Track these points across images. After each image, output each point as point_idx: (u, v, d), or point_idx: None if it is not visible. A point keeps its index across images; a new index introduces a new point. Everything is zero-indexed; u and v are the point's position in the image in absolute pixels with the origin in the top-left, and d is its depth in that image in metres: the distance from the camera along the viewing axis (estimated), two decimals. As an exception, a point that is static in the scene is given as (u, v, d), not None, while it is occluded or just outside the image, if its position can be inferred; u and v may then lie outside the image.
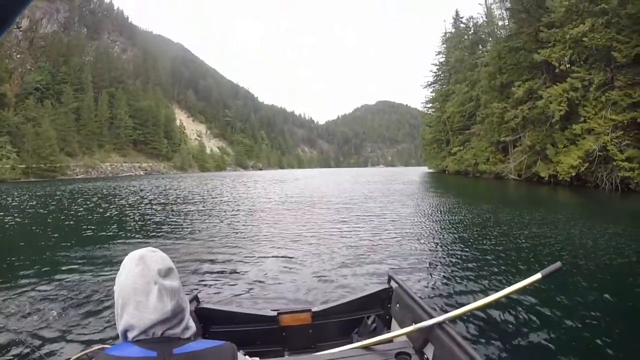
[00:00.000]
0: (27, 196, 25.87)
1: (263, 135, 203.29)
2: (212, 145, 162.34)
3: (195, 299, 2.96)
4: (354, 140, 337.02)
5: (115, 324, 1.09)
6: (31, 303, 5.18)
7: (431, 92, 63.07)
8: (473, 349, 1.88)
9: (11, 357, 3.63)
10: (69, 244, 9.34)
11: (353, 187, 29.93)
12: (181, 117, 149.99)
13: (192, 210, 16.23)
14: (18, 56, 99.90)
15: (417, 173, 63.67)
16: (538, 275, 2.07)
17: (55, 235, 10.95)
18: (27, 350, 3.66)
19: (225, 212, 15.56)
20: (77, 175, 79.27)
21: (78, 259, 7.62)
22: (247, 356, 1.26)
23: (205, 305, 2.97)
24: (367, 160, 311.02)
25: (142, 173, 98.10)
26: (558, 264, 2.08)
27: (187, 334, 1.06)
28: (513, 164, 33.97)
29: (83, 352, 1.85)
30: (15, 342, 3.85)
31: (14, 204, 20.56)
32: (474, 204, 16.54)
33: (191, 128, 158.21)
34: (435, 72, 61.96)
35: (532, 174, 30.42)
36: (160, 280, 1.02)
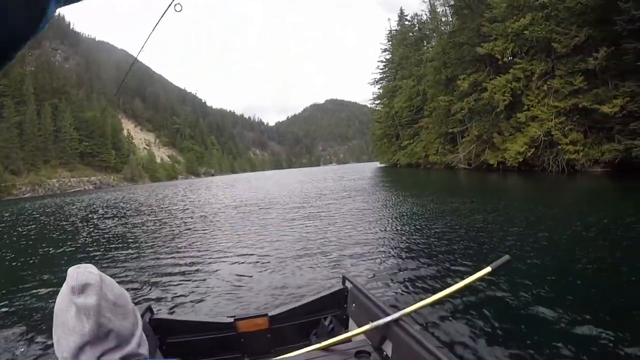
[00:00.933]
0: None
1: (213, 140, 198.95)
2: (162, 154, 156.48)
3: (149, 310, 2.86)
4: (305, 140, 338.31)
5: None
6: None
7: (379, 89, 64.38)
8: (430, 343, 1.90)
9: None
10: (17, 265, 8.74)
11: (303, 187, 29.58)
12: (128, 127, 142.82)
13: (144, 221, 15.58)
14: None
15: (369, 168, 64.62)
16: (488, 269, 2.13)
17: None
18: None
19: (177, 220, 15.09)
20: (23, 195, 74.95)
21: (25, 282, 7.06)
22: None
23: (159, 316, 2.90)
24: (319, 159, 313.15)
25: (91, 187, 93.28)
26: (507, 257, 2.16)
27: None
28: (462, 154, 35.17)
29: None
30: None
31: None
32: (424, 195, 16.61)
33: (139, 137, 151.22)
34: (382, 69, 63.23)
35: (481, 162, 31.64)
36: (74, 298, 0.91)
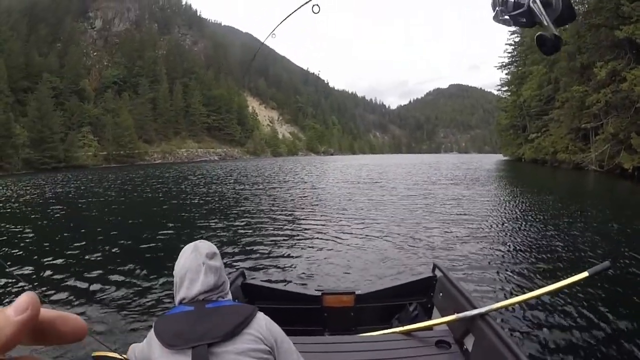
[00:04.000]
0: (116, 179, 28.13)
1: (334, 120, 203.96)
2: (284, 131, 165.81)
3: (242, 274, 3.08)
4: (426, 125, 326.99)
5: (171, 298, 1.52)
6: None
7: (506, 74, 59.16)
8: (514, 343, 1.83)
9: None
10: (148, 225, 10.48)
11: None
12: (253, 104, 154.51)
13: (253, 192, 17.49)
14: (94, 54, 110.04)
15: (491, 161, 60.44)
16: (585, 274, 2.05)
17: (135, 217, 12.26)
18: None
19: (284, 194, 16.45)
20: (154, 161, 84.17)
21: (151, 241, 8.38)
22: (268, 318, 1.43)
23: (251, 281, 3.10)
24: (439, 147, 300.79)
25: (216, 158, 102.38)
26: (607, 263, 2.05)
27: (224, 298, 1.44)
28: (594, 154, 30.82)
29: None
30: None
31: (97, 189, 21.70)
32: (542, 195, 15.49)
33: (263, 114, 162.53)
34: (510, 53, 57.80)
35: (614, 165, 27.40)
36: (207, 261, 1.41)
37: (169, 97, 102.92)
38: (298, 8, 2.36)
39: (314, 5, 2.18)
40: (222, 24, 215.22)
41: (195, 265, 1.38)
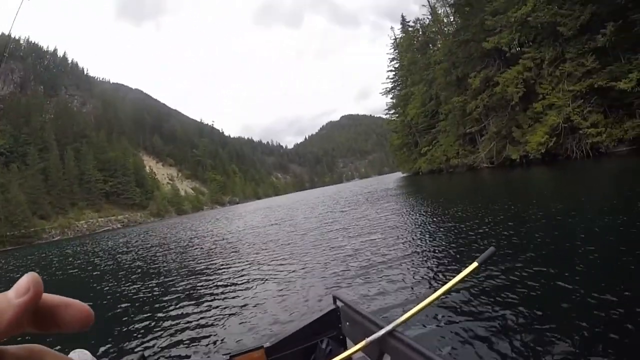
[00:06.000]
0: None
1: (235, 169, 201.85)
2: (186, 187, 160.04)
3: (142, 358, 2.78)
4: (325, 158, 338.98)
5: None
6: None
7: (391, 99, 63.91)
8: (427, 350, 1.86)
9: None
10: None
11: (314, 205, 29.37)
12: (150, 164, 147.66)
13: (151, 256, 16.10)
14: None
15: (390, 180, 63.87)
16: (475, 264, 2.07)
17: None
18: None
19: (183, 254, 15.30)
20: (53, 238, 78.72)
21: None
22: None
23: None
24: (341, 176, 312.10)
25: (119, 225, 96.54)
26: (492, 249, 2.10)
27: None
28: (483, 153, 34.38)
29: None
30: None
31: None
32: (435, 200, 16.24)
33: (162, 173, 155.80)
34: (392, 78, 62.97)
35: (503, 158, 30.80)
36: None
37: (60, 165, 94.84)
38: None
39: None
40: (111, 81, 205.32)
41: None
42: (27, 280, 0.28)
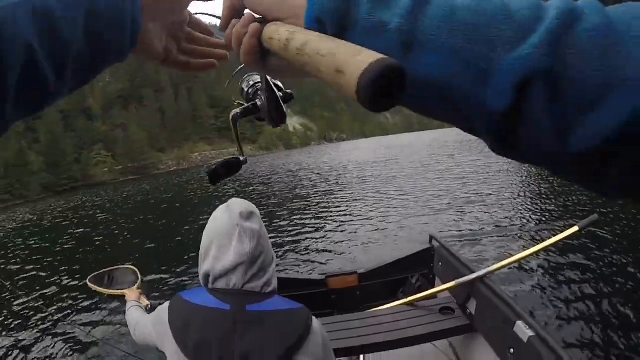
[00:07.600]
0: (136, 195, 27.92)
1: (343, 106, 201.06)
2: (295, 123, 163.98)
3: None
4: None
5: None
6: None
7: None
8: (514, 301, 1.89)
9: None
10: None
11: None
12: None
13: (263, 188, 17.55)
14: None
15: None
16: (575, 228, 2.07)
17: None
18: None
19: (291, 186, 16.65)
20: (169, 168, 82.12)
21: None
22: (323, 330, 1.07)
23: None
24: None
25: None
26: (595, 216, 2.08)
27: (268, 290, 1.02)
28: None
29: (114, 268, 1.96)
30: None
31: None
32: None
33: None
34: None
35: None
36: (242, 222, 1.00)
37: (174, 104, 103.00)
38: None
39: None
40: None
41: (225, 230, 1.00)
42: None
